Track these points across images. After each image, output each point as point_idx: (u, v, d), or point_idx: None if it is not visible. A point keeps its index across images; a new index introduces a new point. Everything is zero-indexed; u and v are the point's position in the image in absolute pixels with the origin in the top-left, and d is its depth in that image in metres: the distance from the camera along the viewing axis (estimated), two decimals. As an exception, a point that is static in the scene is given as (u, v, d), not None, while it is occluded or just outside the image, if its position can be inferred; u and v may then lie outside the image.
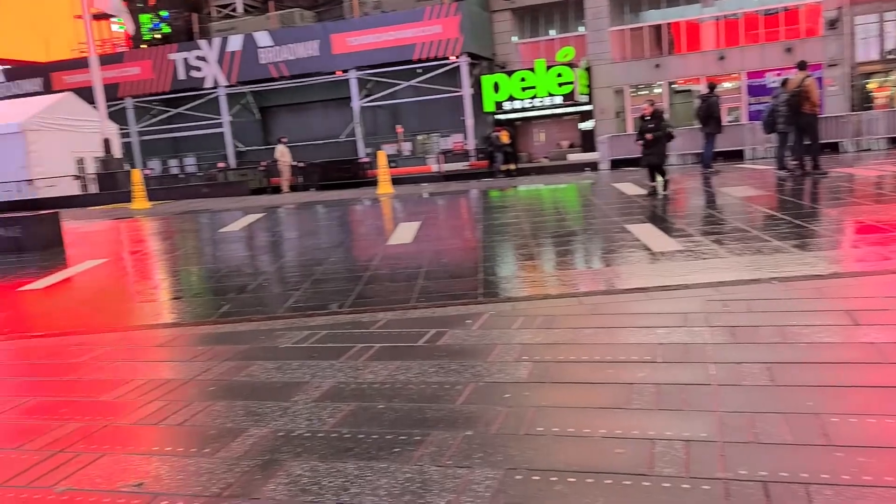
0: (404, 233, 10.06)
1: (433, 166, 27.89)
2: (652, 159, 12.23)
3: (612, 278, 6.77)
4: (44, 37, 40.91)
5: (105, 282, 8.85)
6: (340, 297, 6.50)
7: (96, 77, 23.10)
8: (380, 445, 3.17)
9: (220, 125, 31.99)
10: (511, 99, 30.31)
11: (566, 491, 2.62)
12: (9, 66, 38.35)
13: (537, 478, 2.74)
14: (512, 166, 24.38)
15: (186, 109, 32.65)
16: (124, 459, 3.28)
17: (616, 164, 21.14)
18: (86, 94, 27.11)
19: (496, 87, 30.39)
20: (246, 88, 31.75)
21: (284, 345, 4.95)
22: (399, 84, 29.93)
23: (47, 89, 33.72)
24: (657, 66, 31.56)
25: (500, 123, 27.82)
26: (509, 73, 30.62)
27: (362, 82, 30.47)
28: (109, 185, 22.61)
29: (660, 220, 9.89)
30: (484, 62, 31.67)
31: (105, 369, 4.77)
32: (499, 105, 30.62)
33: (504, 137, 23.78)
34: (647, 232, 8.79)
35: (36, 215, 11.74)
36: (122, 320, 6.64)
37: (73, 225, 13.68)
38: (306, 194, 20.55)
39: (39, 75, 35.73)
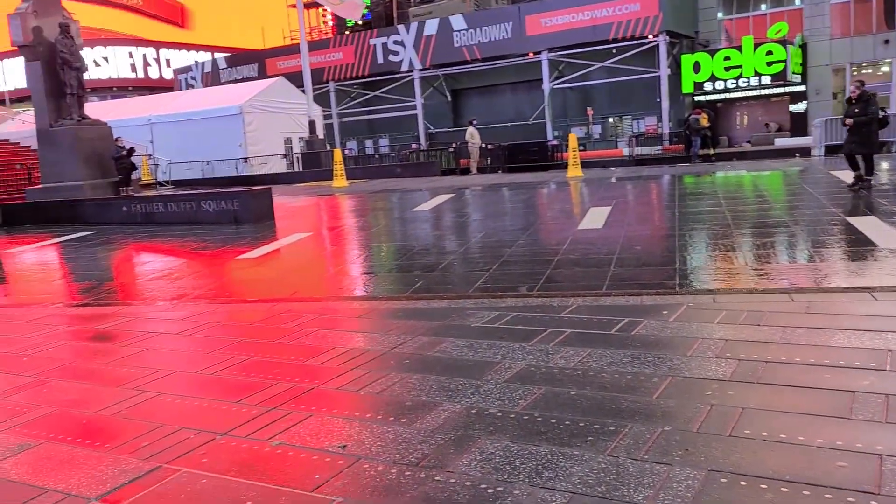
0: (595, 217, 9.84)
1: (624, 150, 27.05)
2: (853, 147, 10.97)
3: (829, 275, 6.17)
4: (260, 25, 44.38)
5: (309, 254, 9.49)
6: (530, 279, 6.48)
7: (305, 62, 24.80)
8: (572, 432, 3.11)
9: (413, 107, 33.16)
10: (712, 79, 28.60)
11: (778, 500, 2.42)
12: (229, 54, 42.20)
13: (744, 483, 2.55)
14: (710, 151, 23.05)
15: (383, 92, 34.19)
16: (329, 421, 3.49)
17: (831, 150, 19.27)
18: (294, 78, 29.24)
19: (696, 67, 28.81)
20: (439, 71, 32.61)
21: (475, 324, 5.02)
22: (592, 65, 29.30)
23: (262, 74, 36.76)
24: (886, 41, 28.28)
25: (699, 105, 26.35)
26: (712, 53, 28.87)
27: (554, 64, 30.19)
28: (313, 164, 24.27)
29: (888, 213, 8.87)
30: (684, 41, 30.12)
31: (310, 336, 5.10)
32: (698, 86, 29.01)
33: (703, 120, 22.51)
34: (872, 225, 7.92)
35: (251, 190, 12.86)
36: (324, 291, 7.08)
37: (281, 200, 14.82)
38: (494, 176, 20.77)
39: (255, 61, 39.00)
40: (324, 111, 31.65)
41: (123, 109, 28.60)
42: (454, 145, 25.48)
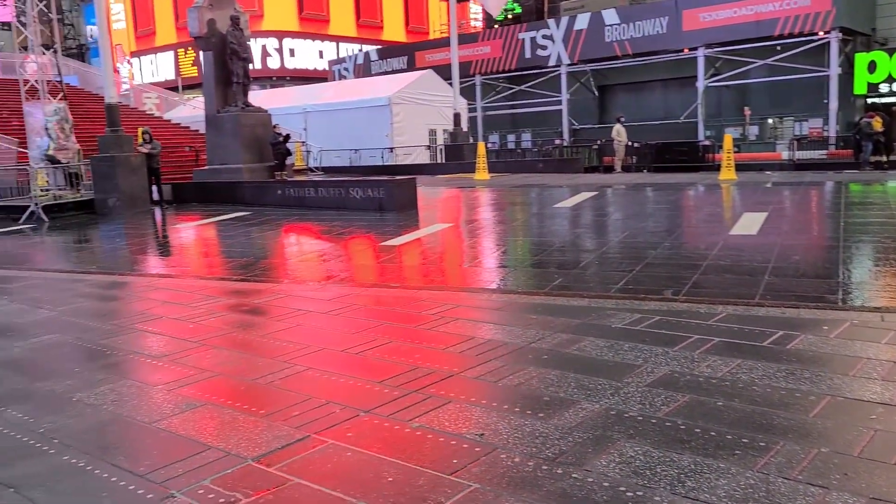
0: (748, 223, 9.34)
1: (783, 153, 25.39)
2: None
3: None
4: (433, 20, 45.54)
5: (449, 244, 9.66)
6: (675, 283, 6.26)
7: (454, 56, 25.16)
8: (718, 444, 2.99)
9: (558, 103, 32.81)
10: (889, 80, 26.28)
11: (952, 543, 2.21)
12: (381, 47, 43.54)
13: (912, 518, 2.35)
14: (883, 158, 21.19)
15: (528, 87, 34.05)
16: (467, 409, 3.55)
17: None
18: (442, 71, 29.74)
19: (871, 67, 26.55)
20: (587, 66, 32.05)
21: (616, 325, 4.93)
22: (752, 62, 27.74)
23: (410, 67, 37.67)
24: None
25: (872, 108, 24.26)
26: (890, 52, 26.53)
27: (710, 60, 28.85)
28: (455, 156, 24.62)
29: None
30: (859, 38, 27.83)
31: (449, 324, 5.20)
32: (872, 87, 26.73)
33: (876, 124, 20.69)
34: None
35: (396, 180, 13.24)
36: (463, 281, 7.18)
37: (424, 190, 15.15)
38: (639, 175, 20.19)
39: (405, 54, 40.02)
40: (468, 104, 31.98)
41: (282, 98, 30.23)
42: (599, 142, 24.98)
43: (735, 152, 17.85)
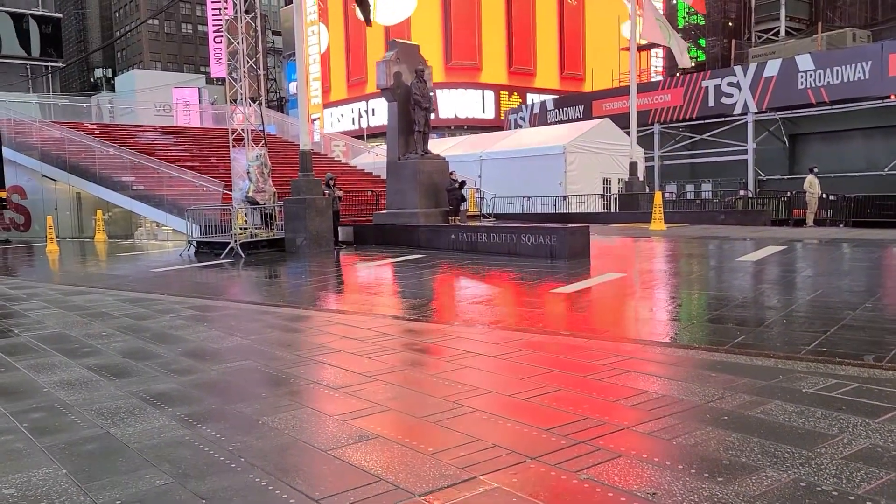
0: (966, 286, 8.30)
1: None
2: None
3: None
4: (590, 68, 45.50)
5: (622, 294, 9.39)
6: (877, 348, 5.66)
7: (633, 104, 24.84)
8: (932, 533, 2.63)
9: (743, 152, 31.22)
10: None
11: None
12: (557, 96, 43.93)
13: None
14: None
15: (710, 136, 32.76)
16: (638, 465, 3.39)
17: None
18: (619, 119, 29.41)
19: None
20: (777, 115, 30.33)
21: (806, 389, 4.52)
22: (971, 109, 24.98)
23: (587, 115, 37.63)
24: None
25: None
26: None
27: (920, 107, 26.33)
28: (629, 206, 24.11)
29: None
30: None
31: (621, 376, 5.03)
32: None
33: None
34: None
35: (569, 227, 13.14)
36: (636, 333, 6.94)
37: (596, 239, 14.92)
38: (835, 230, 18.62)
39: (582, 103, 40.06)
40: (646, 153, 31.30)
41: (460, 146, 31.27)
42: (788, 194, 23.42)
43: (951, 207, 16.02)
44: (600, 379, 4.98)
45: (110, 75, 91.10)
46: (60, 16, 54.11)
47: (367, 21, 19.48)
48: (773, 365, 5.14)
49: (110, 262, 17.78)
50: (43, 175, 27.52)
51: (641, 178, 26.33)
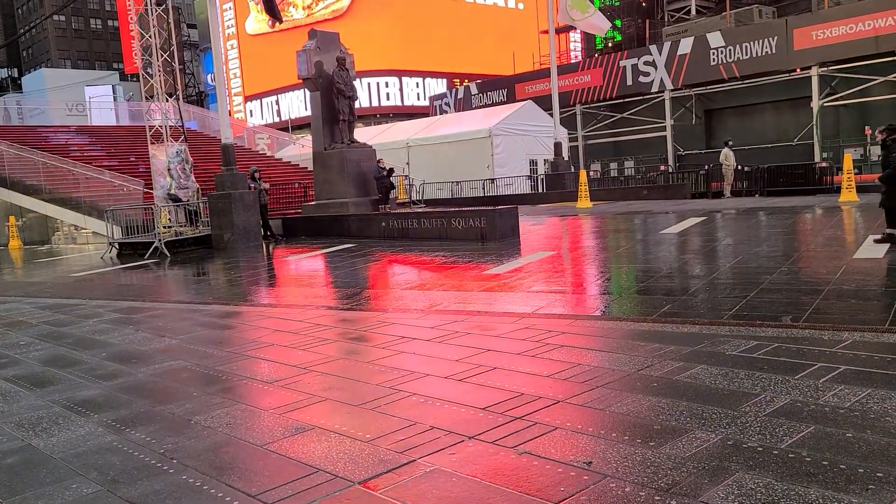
0: (875, 247, 8.75)
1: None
2: (886, 200, 9.00)
3: None
4: (510, 52, 45.78)
5: (552, 272, 9.53)
6: (794, 309, 5.92)
7: (555, 86, 25.16)
8: (849, 477, 2.77)
9: (662, 129, 32.10)
10: None
11: None
12: (480, 80, 44.12)
13: None
14: None
15: (630, 114, 33.53)
16: (574, 436, 3.46)
17: None
18: (542, 101, 29.75)
19: None
20: (692, 91, 31.26)
21: (730, 352, 4.70)
22: (873, 79, 26.25)
23: (510, 99, 37.92)
24: None
25: None
26: None
27: (825, 80, 27.53)
28: (556, 185, 24.47)
29: None
30: None
31: (554, 351, 5.11)
32: None
33: None
34: None
35: (498, 209, 13.24)
36: (567, 309, 7.06)
37: (525, 220, 15.10)
38: (750, 200, 19.36)
39: (504, 87, 40.36)
40: (569, 133, 31.80)
41: (387, 134, 31.08)
42: (706, 167, 24.20)
43: (856, 174, 16.86)
44: (535, 355, 5.05)
45: (16, 75, 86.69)
46: (-44, 13, 51.09)
47: (279, 18, 19.03)
48: (698, 331, 5.31)
49: (27, 269, 16.99)
50: (-54, 182, 26.01)
51: (566, 158, 26.75)
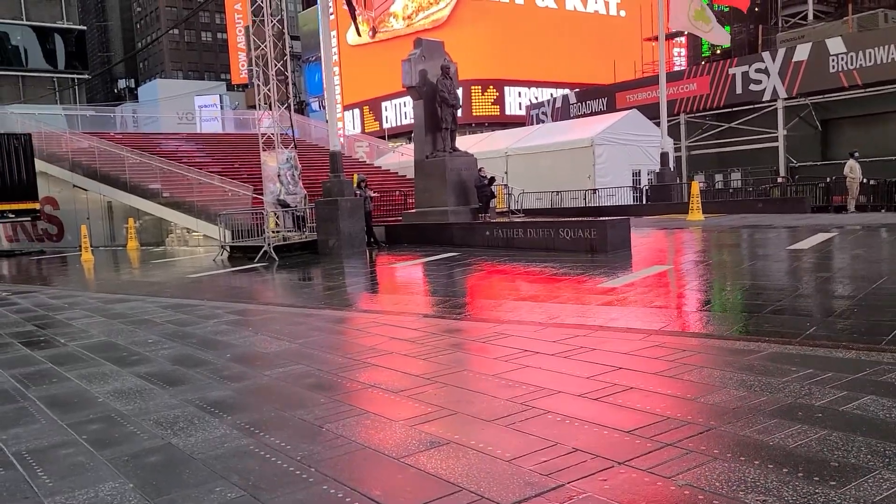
0: None
1: None
2: None
3: None
4: (610, 60, 44.91)
5: (672, 287, 9.12)
6: (960, 336, 5.36)
7: (663, 94, 24.38)
8: None
9: (773, 139, 30.64)
10: None
11: None
12: (578, 90, 43.48)
13: None
14: None
15: (739, 124, 32.21)
16: (737, 468, 3.17)
17: None
18: (644, 111, 28.97)
19: None
20: (808, 100, 29.71)
21: (899, 381, 4.27)
22: None
23: (610, 108, 37.15)
24: None
25: None
26: None
27: (960, 86, 25.61)
28: (662, 197, 23.71)
29: None
30: None
31: (693, 372, 4.80)
32: None
33: None
34: None
35: (609, 220, 12.86)
36: (697, 326, 6.69)
37: (633, 232, 14.60)
38: (879, 215, 18.12)
39: (604, 95, 39.59)
40: (673, 143, 30.85)
41: (485, 143, 31.02)
42: (827, 179, 22.87)
43: None
44: (672, 376, 4.76)
45: (133, 86, 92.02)
46: (84, 28, 54.70)
47: (355, 21, 19.17)
48: (856, 357, 4.88)
49: (145, 270, 17.82)
50: (74, 185, 27.74)
51: (672, 169, 25.91)
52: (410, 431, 4.01)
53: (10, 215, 25.73)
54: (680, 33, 33.41)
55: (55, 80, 48.84)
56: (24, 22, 48.20)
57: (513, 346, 5.98)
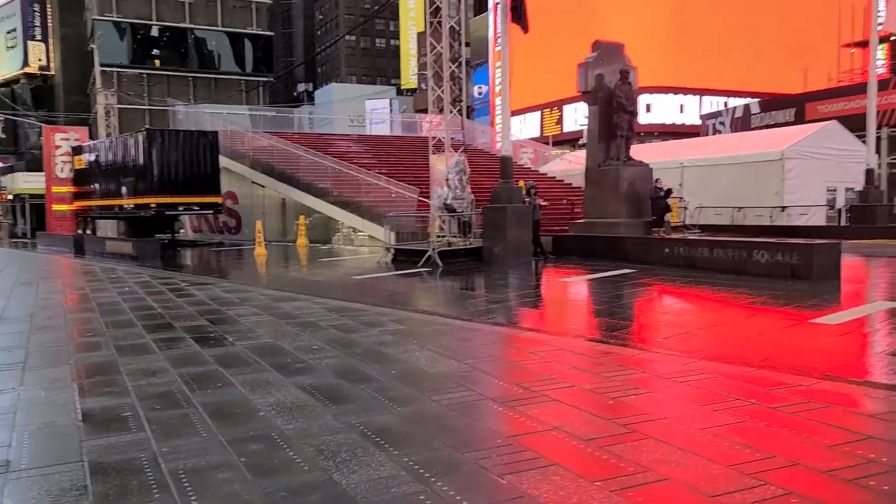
0: None
1: None
2: None
3: None
4: (801, 67, 41.25)
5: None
6: None
7: (872, 105, 21.65)
8: None
9: None
10: None
11: None
12: (761, 99, 40.23)
13: None
14: None
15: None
16: None
17: None
18: (843, 123, 26.11)
19: None
20: None
21: None
22: None
23: (798, 119, 33.94)
24: None
25: None
26: None
27: None
28: (864, 219, 21.06)
29: None
30: None
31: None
32: None
33: None
34: None
35: (815, 244, 11.24)
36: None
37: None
38: None
39: (792, 105, 36.28)
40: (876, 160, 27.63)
41: (658, 152, 29.35)
42: None
43: None
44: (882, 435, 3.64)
45: (311, 89, 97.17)
46: (272, 34, 58.28)
47: (525, 27, 18.28)
48: None
49: (312, 268, 18.17)
50: (252, 182, 29.20)
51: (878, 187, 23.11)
52: (612, 500, 3.25)
53: (196, 208, 27.46)
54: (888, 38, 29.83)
55: (243, 82, 52.35)
56: (220, 28, 52.04)
57: (720, 392, 5.03)
